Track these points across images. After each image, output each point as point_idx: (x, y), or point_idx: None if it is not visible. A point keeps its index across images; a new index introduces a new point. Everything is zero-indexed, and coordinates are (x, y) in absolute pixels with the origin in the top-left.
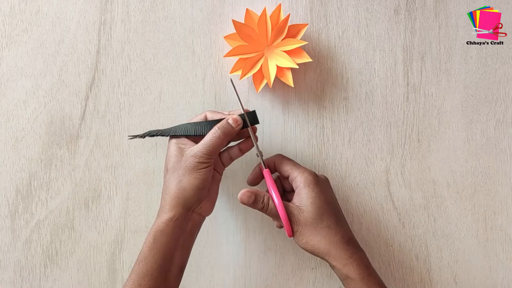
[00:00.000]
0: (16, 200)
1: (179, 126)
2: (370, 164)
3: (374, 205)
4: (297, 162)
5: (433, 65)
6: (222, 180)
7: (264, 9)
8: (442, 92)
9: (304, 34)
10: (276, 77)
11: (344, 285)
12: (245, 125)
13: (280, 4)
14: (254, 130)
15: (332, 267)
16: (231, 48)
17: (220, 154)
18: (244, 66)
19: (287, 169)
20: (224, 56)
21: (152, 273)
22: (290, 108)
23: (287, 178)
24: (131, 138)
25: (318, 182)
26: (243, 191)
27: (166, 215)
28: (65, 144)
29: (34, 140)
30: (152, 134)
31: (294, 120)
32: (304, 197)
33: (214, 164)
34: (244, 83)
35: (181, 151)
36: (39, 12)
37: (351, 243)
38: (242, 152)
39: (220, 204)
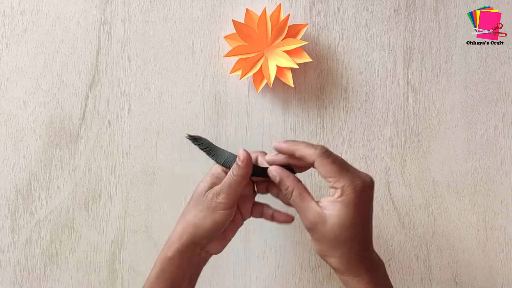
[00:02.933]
0: (16, 200)
1: (229, 154)
2: (370, 164)
3: (374, 205)
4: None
5: (433, 65)
6: None
7: (264, 9)
8: (442, 92)
9: (304, 34)
10: (276, 77)
11: None
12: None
13: (280, 4)
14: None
15: (339, 277)
16: (231, 48)
17: (255, 203)
18: (244, 66)
19: (331, 175)
20: (224, 56)
21: None
22: (290, 108)
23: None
24: (188, 138)
25: (359, 201)
26: (273, 168)
27: (175, 244)
28: (65, 144)
29: (34, 140)
30: (203, 147)
31: (294, 120)
32: (335, 214)
33: (240, 207)
34: (244, 83)
35: (212, 185)
36: (39, 12)
37: (364, 265)
38: (274, 219)
39: None
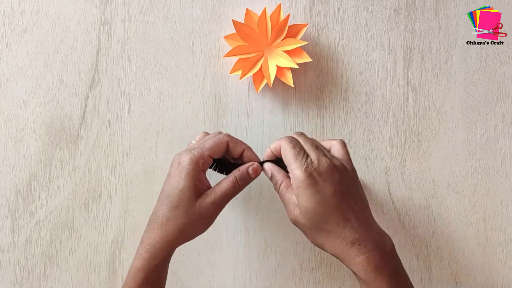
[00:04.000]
0: (16, 200)
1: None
2: (370, 164)
3: (374, 205)
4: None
5: (433, 65)
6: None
7: (264, 9)
8: (442, 92)
9: (304, 34)
10: (275, 77)
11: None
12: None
13: (280, 4)
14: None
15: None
16: (231, 48)
17: None
18: (244, 66)
19: (286, 162)
20: (224, 56)
21: None
22: (290, 108)
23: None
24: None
25: (312, 181)
26: (267, 164)
27: (162, 253)
28: (65, 144)
29: (34, 140)
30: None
31: (294, 120)
32: (299, 201)
33: None
34: (244, 83)
35: (196, 192)
36: (39, 12)
37: (356, 244)
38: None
39: None
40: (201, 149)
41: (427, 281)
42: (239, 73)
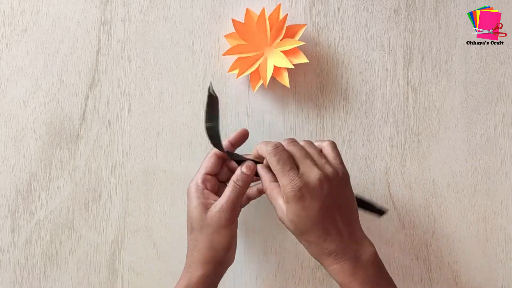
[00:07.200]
0: (16, 200)
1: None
2: (370, 164)
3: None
4: None
5: (433, 65)
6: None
7: (263, 10)
8: (442, 92)
9: (304, 34)
10: (275, 77)
11: None
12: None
13: (279, 5)
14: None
15: None
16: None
17: None
18: (242, 65)
19: (275, 174)
20: (223, 54)
21: None
22: (290, 108)
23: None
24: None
25: (299, 199)
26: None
27: (198, 272)
28: (65, 144)
29: (34, 140)
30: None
31: (294, 120)
32: (286, 211)
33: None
34: (244, 84)
35: (205, 208)
36: (39, 12)
37: (333, 254)
38: (261, 193)
39: None
40: (199, 171)
41: (427, 281)
42: (236, 71)
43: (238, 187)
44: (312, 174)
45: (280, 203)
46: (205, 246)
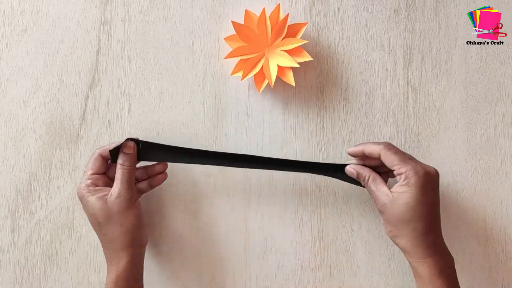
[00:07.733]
0: (16, 200)
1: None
2: None
3: (374, 205)
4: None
5: (433, 65)
6: (221, 181)
7: (263, 10)
8: (442, 92)
9: (304, 34)
10: (276, 77)
11: (416, 282)
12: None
13: (279, 4)
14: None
15: (408, 260)
16: (232, 49)
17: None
18: (245, 67)
19: (394, 164)
20: (225, 58)
21: None
22: (290, 108)
23: (391, 171)
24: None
25: (422, 183)
26: (350, 166)
27: (123, 260)
28: (65, 144)
29: (34, 140)
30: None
31: (294, 120)
32: (400, 195)
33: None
34: (244, 83)
35: (103, 200)
36: (39, 12)
37: (430, 248)
38: (152, 187)
39: (220, 204)
40: (85, 173)
41: None
42: (240, 74)
43: (126, 167)
44: (428, 167)
45: (385, 189)
46: (119, 232)
